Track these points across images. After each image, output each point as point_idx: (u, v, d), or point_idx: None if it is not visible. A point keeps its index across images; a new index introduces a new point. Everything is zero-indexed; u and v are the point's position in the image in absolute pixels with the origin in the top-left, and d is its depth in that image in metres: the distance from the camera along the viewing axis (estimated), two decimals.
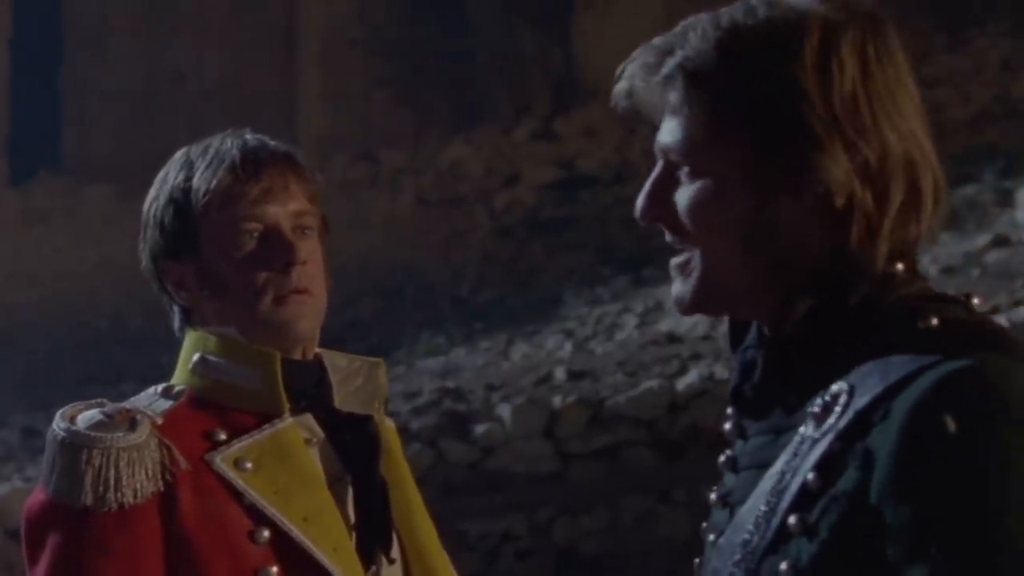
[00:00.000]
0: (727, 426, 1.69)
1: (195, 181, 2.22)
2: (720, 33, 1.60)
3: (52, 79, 21.41)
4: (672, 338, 11.17)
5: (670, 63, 1.61)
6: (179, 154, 2.29)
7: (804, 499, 1.55)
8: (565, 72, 19.40)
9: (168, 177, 2.26)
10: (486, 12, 20.04)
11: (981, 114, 16.31)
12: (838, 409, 1.55)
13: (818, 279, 1.59)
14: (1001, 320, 9.89)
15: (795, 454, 1.57)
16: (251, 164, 2.23)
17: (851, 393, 1.55)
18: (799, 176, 1.58)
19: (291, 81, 20.53)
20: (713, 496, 1.69)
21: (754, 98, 1.58)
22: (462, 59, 19.98)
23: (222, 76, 20.80)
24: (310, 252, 2.25)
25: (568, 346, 12.02)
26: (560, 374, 10.68)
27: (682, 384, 9.78)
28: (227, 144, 2.26)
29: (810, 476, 1.54)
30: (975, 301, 1.62)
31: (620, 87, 1.66)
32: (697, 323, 11.08)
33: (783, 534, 1.56)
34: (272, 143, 2.28)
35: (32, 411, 13.61)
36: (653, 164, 1.69)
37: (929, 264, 10.68)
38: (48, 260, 18.77)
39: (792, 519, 1.55)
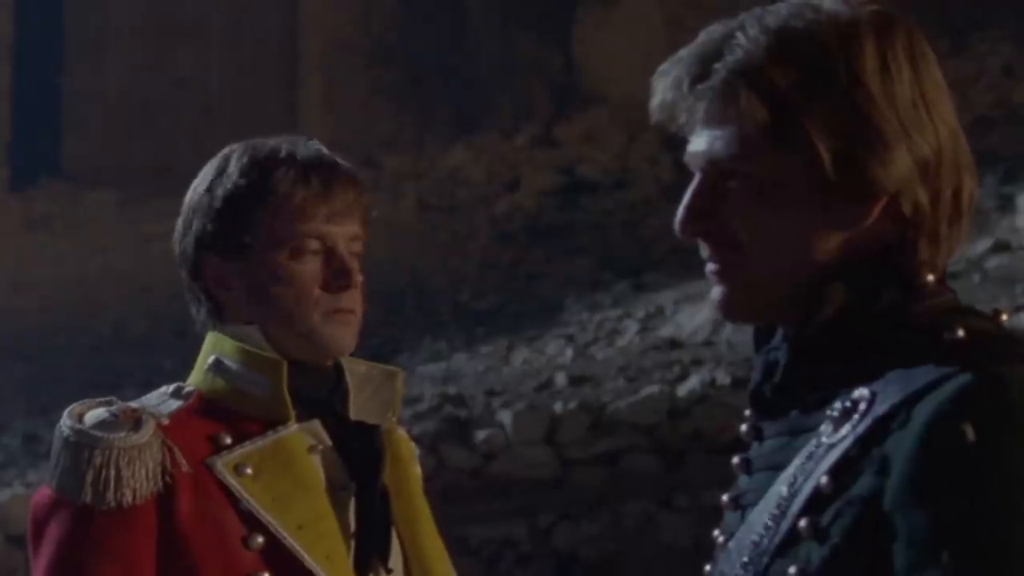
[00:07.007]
0: (743, 427, 1.68)
1: (265, 185, 2.22)
2: (773, 37, 1.57)
3: (54, 85, 21.41)
4: (673, 344, 11.16)
5: (721, 69, 1.58)
6: (239, 149, 2.26)
7: (816, 502, 1.54)
8: (566, 78, 19.39)
9: (230, 171, 2.24)
10: (487, 19, 20.05)
11: (982, 119, 16.30)
12: (857, 415, 1.54)
13: (852, 283, 1.58)
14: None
15: (809, 457, 1.56)
16: (325, 182, 2.23)
17: (872, 399, 1.54)
18: (863, 179, 1.56)
19: (293, 87, 20.54)
20: (725, 498, 1.68)
21: (818, 101, 1.56)
22: (463, 65, 19.99)
23: (224, 83, 20.81)
24: (357, 275, 2.27)
25: (569, 352, 12.01)
26: (561, 380, 10.66)
27: (683, 390, 9.77)
28: (300, 150, 2.25)
29: (823, 480, 1.54)
30: (1003, 317, 1.62)
31: (654, 101, 1.62)
32: (698, 328, 11.08)
33: (793, 537, 1.55)
34: (343, 162, 2.28)
35: (33, 417, 13.59)
36: (688, 177, 1.65)
37: None
38: (49, 266, 18.76)
39: (803, 522, 1.54)
